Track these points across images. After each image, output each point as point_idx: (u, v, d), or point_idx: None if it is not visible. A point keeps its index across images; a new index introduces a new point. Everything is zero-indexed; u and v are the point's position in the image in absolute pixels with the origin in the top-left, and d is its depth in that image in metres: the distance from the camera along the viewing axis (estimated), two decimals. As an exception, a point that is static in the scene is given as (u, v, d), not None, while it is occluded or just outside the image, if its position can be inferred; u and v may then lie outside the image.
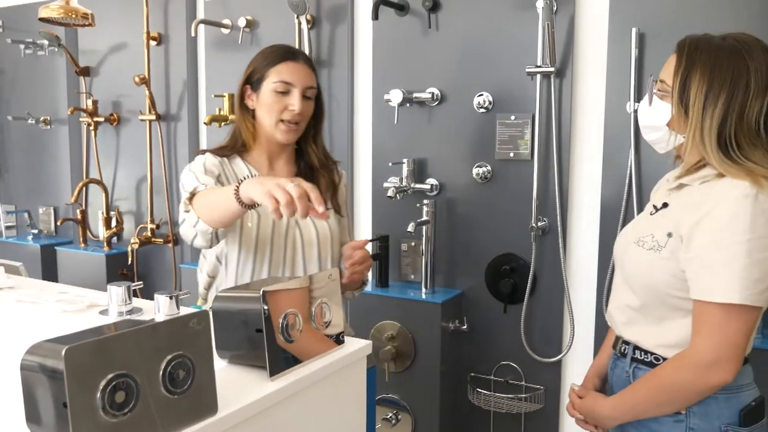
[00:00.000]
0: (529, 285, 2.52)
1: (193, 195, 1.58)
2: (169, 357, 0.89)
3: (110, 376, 0.83)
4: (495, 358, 2.65)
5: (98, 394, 0.81)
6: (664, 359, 1.34)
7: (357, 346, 1.26)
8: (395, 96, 2.63)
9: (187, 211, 1.58)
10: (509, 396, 2.59)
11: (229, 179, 1.73)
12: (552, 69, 2.39)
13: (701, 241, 1.24)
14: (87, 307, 1.54)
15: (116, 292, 1.45)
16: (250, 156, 1.81)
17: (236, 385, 1.08)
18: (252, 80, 1.76)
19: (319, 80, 2.94)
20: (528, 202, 2.51)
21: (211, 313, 1.16)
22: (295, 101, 1.71)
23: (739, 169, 1.24)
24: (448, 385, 2.66)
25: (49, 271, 3.65)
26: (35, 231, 3.89)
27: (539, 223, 2.49)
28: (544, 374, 2.58)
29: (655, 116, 1.38)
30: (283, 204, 1.27)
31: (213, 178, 1.68)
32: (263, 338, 1.09)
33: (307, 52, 2.87)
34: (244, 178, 1.43)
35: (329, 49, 2.92)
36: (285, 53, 1.75)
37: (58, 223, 3.72)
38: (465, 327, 2.66)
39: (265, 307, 1.09)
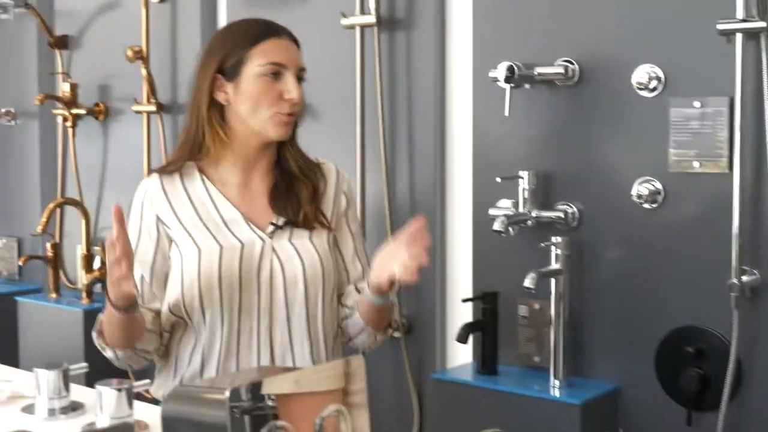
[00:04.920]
0: (729, 379, 2.31)
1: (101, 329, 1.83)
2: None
3: None
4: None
5: None
6: None
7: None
8: (503, 72, 2.50)
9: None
10: None
11: (178, 214, 1.87)
12: (763, 24, 2.23)
13: None
14: (8, 398, 1.64)
15: (46, 379, 1.49)
16: (215, 170, 1.92)
17: None
18: (225, 67, 1.87)
19: (395, 48, 2.77)
20: (725, 241, 2.31)
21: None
22: (291, 87, 1.86)
23: None
24: None
25: (7, 329, 3.63)
26: (-10, 273, 3.98)
27: (744, 278, 2.29)
28: None
29: None
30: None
31: (152, 245, 1.87)
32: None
33: (373, 6, 2.86)
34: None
35: (407, 3, 2.86)
36: (267, 29, 1.90)
37: (20, 263, 3.72)
38: (623, 444, 2.53)
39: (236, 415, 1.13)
